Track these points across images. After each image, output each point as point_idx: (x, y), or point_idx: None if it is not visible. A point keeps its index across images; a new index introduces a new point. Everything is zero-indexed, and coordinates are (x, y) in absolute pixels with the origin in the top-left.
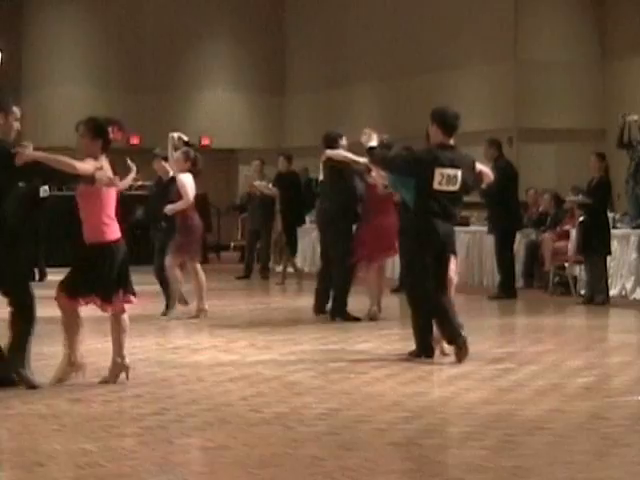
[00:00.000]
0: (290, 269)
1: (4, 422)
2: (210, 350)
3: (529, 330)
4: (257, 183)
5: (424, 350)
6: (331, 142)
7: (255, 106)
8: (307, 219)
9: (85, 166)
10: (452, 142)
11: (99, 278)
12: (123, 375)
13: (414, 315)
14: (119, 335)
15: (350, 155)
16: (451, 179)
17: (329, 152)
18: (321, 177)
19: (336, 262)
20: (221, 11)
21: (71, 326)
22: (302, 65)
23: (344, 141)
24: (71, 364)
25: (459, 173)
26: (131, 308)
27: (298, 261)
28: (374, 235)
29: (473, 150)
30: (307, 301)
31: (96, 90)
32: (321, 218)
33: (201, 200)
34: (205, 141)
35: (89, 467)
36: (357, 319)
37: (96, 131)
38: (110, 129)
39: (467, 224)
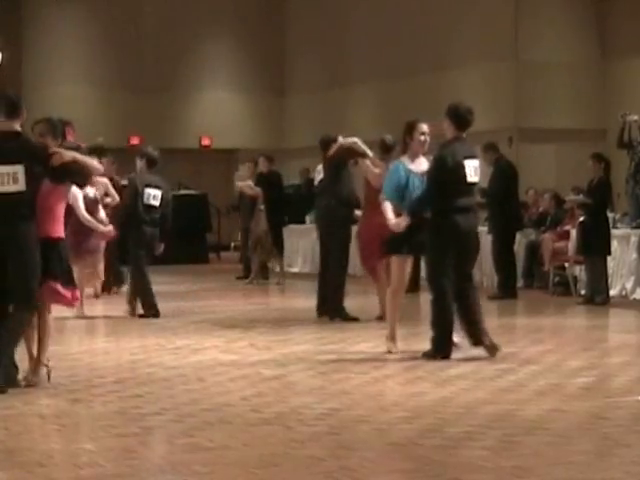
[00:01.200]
0: (276, 269)
1: (4, 422)
2: (210, 350)
3: (529, 330)
4: (240, 183)
5: (441, 350)
6: (328, 144)
7: (255, 106)
8: (307, 219)
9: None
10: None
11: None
12: (124, 375)
13: (436, 313)
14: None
15: (361, 144)
16: (475, 170)
17: (342, 140)
18: (320, 176)
19: (332, 261)
20: (221, 11)
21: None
22: (302, 65)
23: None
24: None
25: (478, 163)
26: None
27: (298, 261)
28: (378, 233)
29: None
30: (306, 301)
31: (97, 90)
32: (320, 217)
33: (201, 200)
34: (205, 141)
35: (89, 467)
36: (355, 319)
37: (56, 131)
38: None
39: None
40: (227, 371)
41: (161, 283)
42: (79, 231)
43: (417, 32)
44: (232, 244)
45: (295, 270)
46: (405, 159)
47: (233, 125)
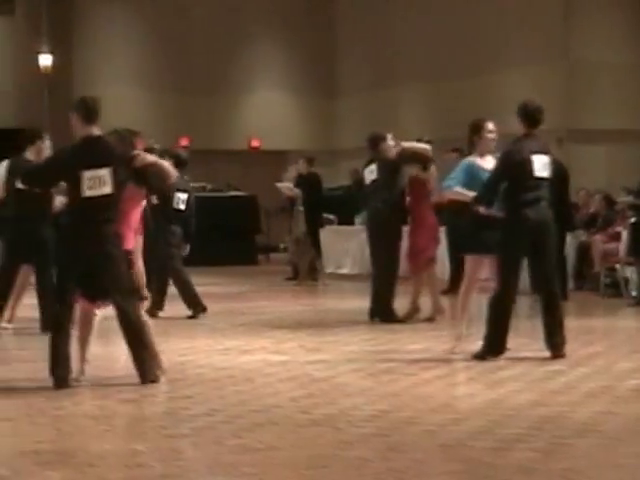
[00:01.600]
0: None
1: (56, 422)
2: (259, 351)
3: (580, 332)
4: (280, 185)
5: (493, 349)
6: (377, 142)
7: (304, 108)
8: (356, 220)
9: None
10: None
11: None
12: (173, 376)
13: (494, 311)
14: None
15: (425, 146)
16: (545, 165)
17: (406, 144)
18: (372, 177)
19: (382, 264)
20: (271, 13)
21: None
22: (351, 67)
23: (390, 140)
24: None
25: (548, 159)
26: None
27: (347, 263)
28: (431, 235)
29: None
30: (355, 302)
31: (146, 91)
32: (371, 219)
33: (250, 201)
34: (255, 143)
35: (139, 467)
36: (400, 321)
37: (125, 142)
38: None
39: None
40: (276, 372)
41: (210, 284)
42: None
43: (466, 32)
44: (281, 245)
45: (345, 271)
46: (475, 157)
47: (282, 126)
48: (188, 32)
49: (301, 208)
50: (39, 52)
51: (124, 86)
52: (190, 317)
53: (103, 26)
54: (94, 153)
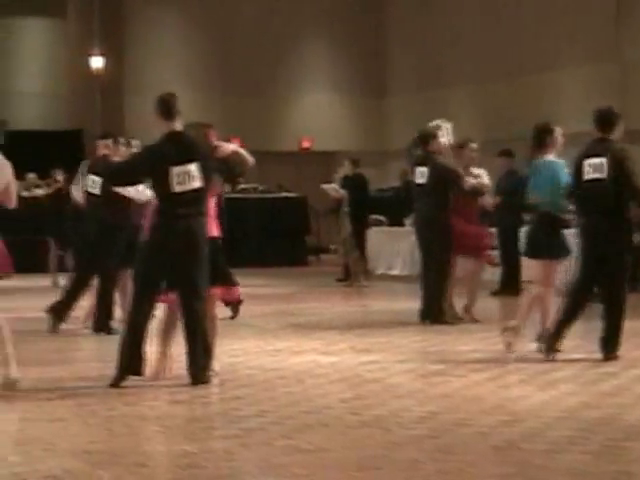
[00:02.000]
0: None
1: (107, 423)
2: (310, 352)
3: (633, 334)
4: (326, 186)
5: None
6: (427, 139)
7: (355, 108)
8: (406, 222)
9: None
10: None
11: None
12: (224, 377)
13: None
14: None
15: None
16: (595, 167)
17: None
18: (422, 180)
19: (434, 266)
20: (321, 13)
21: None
22: (402, 67)
23: (441, 137)
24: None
25: (599, 160)
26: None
27: (398, 264)
28: (480, 236)
29: (573, 152)
30: (406, 304)
31: (197, 93)
32: (420, 222)
33: (301, 203)
34: (305, 143)
35: (190, 468)
36: (450, 323)
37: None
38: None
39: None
40: (326, 373)
41: (260, 285)
42: None
43: (515, 33)
44: (332, 246)
45: (395, 272)
46: (552, 157)
47: (333, 127)
48: (238, 33)
49: (347, 209)
50: (91, 54)
51: (175, 88)
52: (232, 317)
53: (154, 28)
54: (179, 148)
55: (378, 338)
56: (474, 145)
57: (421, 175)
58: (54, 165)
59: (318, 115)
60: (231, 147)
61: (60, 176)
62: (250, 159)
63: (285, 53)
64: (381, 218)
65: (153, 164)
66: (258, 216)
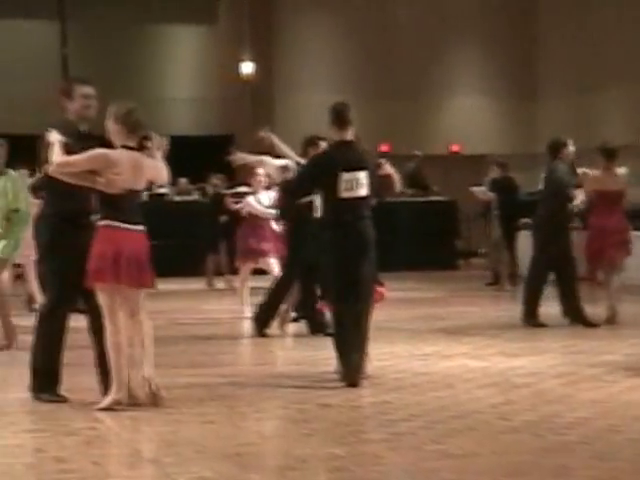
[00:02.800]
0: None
1: (256, 426)
2: (459, 357)
3: None
4: (475, 189)
5: None
6: (558, 148)
7: (505, 112)
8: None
9: None
10: None
11: None
12: (373, 381)
13: None
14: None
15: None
16: None
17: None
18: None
19: (532, 264)
20: (471, 17)
21: None
22: (554, 70)
23: (570, 147)
24: None
25: None
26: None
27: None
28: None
29: None
30: (556, 308)
31: (347, 97)
32: (535, 222)
33: (450, 206)
34: (455, 147)
35: (338, 472)
36: (595, 325)
37: None
38: None
39: None
40: (476, 378)
41: (409, 289)
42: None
43: None
44: (481, 250)
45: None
46: None
47: (483, 131)
48: (388, 38)
49: (496, 213)
50: (241, 60)
51: (325, 93)
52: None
53: (303, 33)
54: (350, 156)
55: (528, 342)
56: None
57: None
58: (206, 170)
59: (468, 119)
60: (390, 170)
61: (216, 180)
62: (398, 186)
63: (436, 56)
64: (531, 222)
65: (323, 170)
66: (407, 219)
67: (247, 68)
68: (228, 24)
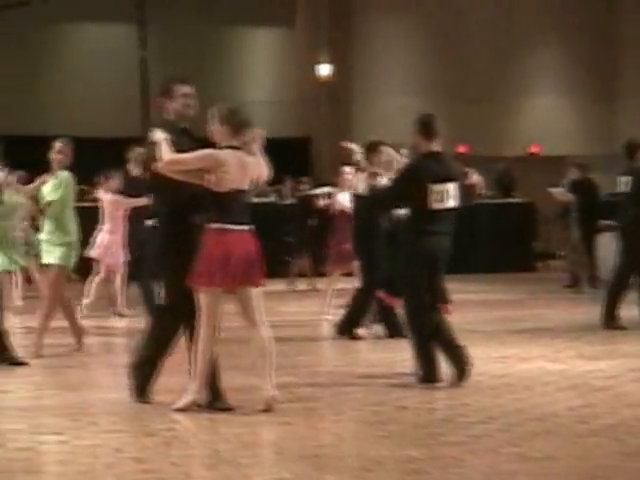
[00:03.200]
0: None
1: (333, 428)
2: (537, 359)
3: None
4: (553, 190)
5: None
6: (633, 150)
7: (584, 112)
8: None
9: None
10: None
11: None
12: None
13: None
14: None
15: None
16: None
17: None
18: (626, 189)
19: (618, 267)
20: (548, 18)
21: None
22: (633, 69)
23: None
24: None
25: None
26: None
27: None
28: None
29: None
30: (632, 311)
31: (425, 99)
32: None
33: (528, 208)
34: (534, 149)
35: (415, 474)
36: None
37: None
38: None
39: None
40: (554, 381)
41: (487, 291)
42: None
43: None
44: (559, 252)
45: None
46: None
47: (562, 132)
48: (466, 39)
49: (575, 214)
50: (318, 62)
51: (401, 95)
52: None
53: (381, 35)
54: (438, 168)
55: (606, 345)
56: None
57: (625, 185)
58: (282, 172)
59: (546, 120)
60: (477, 179)
61: (301, 183)
62: (481, 191)
63: (513, 57)
64: (612, 223)
65: (413, 182)
66: (486, 221)
67: (324, 70)
68: (305, 27)
